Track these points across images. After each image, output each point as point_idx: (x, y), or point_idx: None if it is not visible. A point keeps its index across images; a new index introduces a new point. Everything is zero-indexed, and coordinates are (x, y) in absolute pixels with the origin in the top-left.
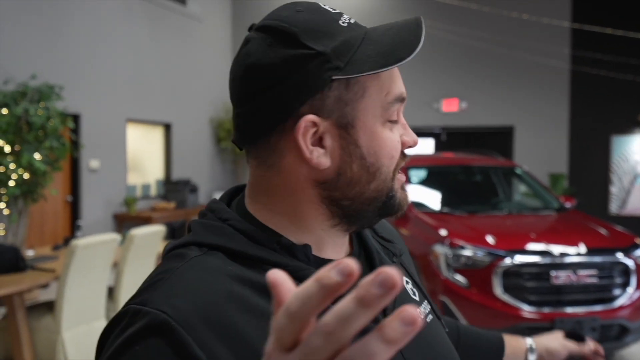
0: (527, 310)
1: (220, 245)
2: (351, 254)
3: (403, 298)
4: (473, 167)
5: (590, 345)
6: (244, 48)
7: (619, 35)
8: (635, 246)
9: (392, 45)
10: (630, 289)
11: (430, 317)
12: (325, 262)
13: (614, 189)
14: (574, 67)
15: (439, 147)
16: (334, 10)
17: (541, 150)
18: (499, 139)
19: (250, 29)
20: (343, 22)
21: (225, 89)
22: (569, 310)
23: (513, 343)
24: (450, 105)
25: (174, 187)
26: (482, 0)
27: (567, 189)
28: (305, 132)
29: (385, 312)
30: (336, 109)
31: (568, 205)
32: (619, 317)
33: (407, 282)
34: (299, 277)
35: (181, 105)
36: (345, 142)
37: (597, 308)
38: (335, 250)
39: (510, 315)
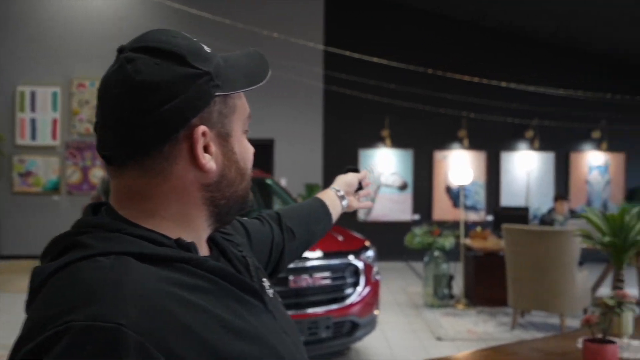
0: None
1: (129, 251)
2: (211, 250)
3: (260, 275)
4: None
5: (364, 171)
6: (127, 66)
7: (365, 60)
8: (365, 248)
9: (252, 69)
10: (360, 288)
11: (271, 290)
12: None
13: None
14: (327, 86)
15: None
16: (194, 38)
17: (299, 162)
18: (261, 152)
19: (120, 50)
20: (207, 49)
21: None
22: (309, 311)
23: (326, 197)
24: None
25: None
26: (238, 18)
27: None
28: (199, 140)
29: (250, 278)
30: (218, 121)
31: None
32: (350, 314)
33: (258, 267)
34: (205, 268)
35: None
36: (226, 150)
37: (332, 307)
38: (204, 248)
39: None
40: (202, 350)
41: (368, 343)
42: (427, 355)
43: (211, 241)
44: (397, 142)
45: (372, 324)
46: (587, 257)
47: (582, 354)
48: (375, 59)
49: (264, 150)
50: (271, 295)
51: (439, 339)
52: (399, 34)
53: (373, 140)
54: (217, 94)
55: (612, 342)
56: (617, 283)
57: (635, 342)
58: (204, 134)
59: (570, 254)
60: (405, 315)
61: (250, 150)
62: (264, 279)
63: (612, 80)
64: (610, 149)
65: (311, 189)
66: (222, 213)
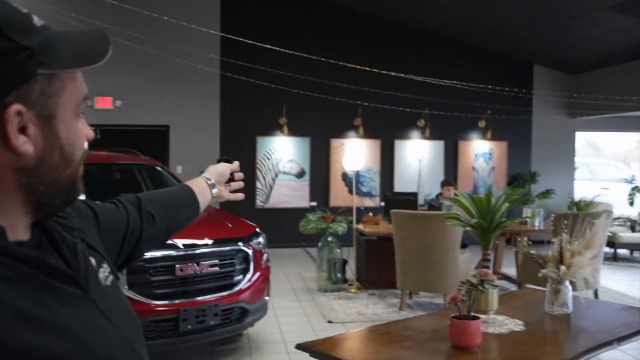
0: (154, 304)
1: None
2: (32, 235)
3: (88, 263)
4: (114, 165)
5: (236, 162)
6: None
7: (263, 47)
8: (255, 235)
9: (87, 48)
10: (249, 274)
11: (110, 278)
12: (15, 244)
13: (259, 185)
14: (224, 73)
15: (94, 144)
16: (24, 10)
17: (195, 150)
18: (155, 138)
19: None
20: (37, 22)
21: None
22: (198, 299)
23: (195, 184)
24: (104, 103)
25: None
26: (135, 2)
27: None
28: (12, 120)
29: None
30: (40, 101)
31: None
32: (240, 300)
33: (98, 254)
34: (6, 254)
35: None
36: (47, 132)
37: (221, 294)
38: (20, 233)
39: (138, 311)
40: None
41: (260, 328)
42: (318, 337)
43: (38, 225)
44: (295, 130)
45: (262, 310)
46: (472, 239)
47: (449, 330)
48: (271, 47)
49: (158, 137)
50: (105, 283)
51: (329, 321)
52: (296, 23)
53: (271, 128)
54: (40, 71)
55: (476, 318)
56: (484, 262)
57: (499, 317)
58: (19, 113)
59: (453, 237)
60: (299, 300)
61: (81, 135)
62: (104, 266)
63: (497, 74)
64: (494, 137)
65: None
66: (43, 202)
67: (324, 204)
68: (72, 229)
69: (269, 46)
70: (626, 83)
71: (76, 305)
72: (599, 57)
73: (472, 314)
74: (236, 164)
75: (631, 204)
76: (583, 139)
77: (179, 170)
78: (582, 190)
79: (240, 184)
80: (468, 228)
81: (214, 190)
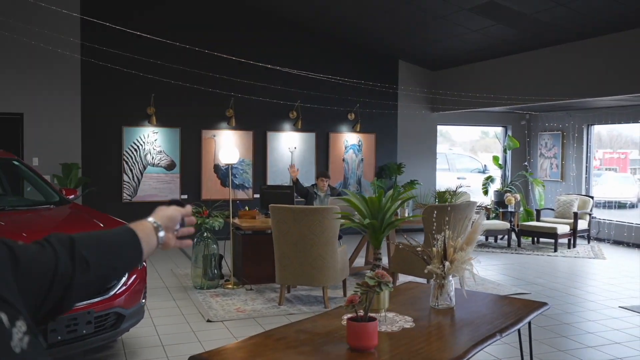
0: None
1: None
2: None
3: None
4: None
5: (189, 207)
6: None
7: (129, 33)
8: None
9: None
10: (124, 278)
11: (26, 339)
12: None
13: (126, 177)
14: (85, 59)
15: None
16: None
17: (53, 140)
18: (6, 127)
19: None
20: None
21: None
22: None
23: (140, 228)
24: None
25: None
26: None
27: (80, 178)
28: None
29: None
30: None
31: (71, 197)
32: (115, 305)
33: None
34: None
35: None
36: None
37: (94, 300)
38: None
39: None
40: None
41: (135, 333)
42: (197, 339)
43: None
44: (164, 121)
45: (139, 313)
46: (345, 230)
47: (346, 332)
48: (135, 32)
49: (10, 126)
50: (19, 349)
51: (209, 320)
52: (166, 9)
53: (138, 118)
54: None
55: (373, 319)
56: (376, 262)
57: (390, 315)
58: None
59: (331, 231)
60: (174, 299)
61: None
62: (18, 323)
63: (366, 68)
64: (363, 130)
65: (69, 169)
66: None
67: (195, 197)
68: None
69: (132, 31)
70: (480, 80)
71: None
72: (458, 55)
73: (369, 315)
74: (188, 208)
75: (485, 192)
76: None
77: (35, 162)
78: (442, 180)
79: (190, 230)
80: (360, 227)
81: (160, 235)
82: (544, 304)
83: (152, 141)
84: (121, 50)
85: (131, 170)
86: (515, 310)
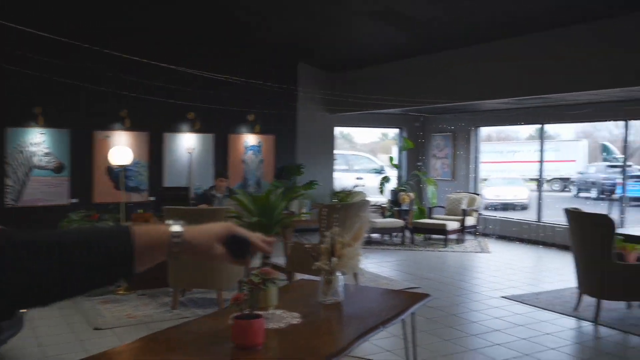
0: None
1: None
2: None
3: None
4: None
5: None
6: None
7: (13, 27)
8: None
9: None
10: None
11: None
12: None
13: (10, 181)
14: None
15: None
16: None
17: None
18: None
19: None
20: None
21: None
22: None
23: (147, 225)
24: None
25: None
26: None
27: None
28: None
29: None
30: None
31: None
32: None
33: None
34: None
35: None
36: None
37: None
38: None
39: None
40: None
41: (14, 345)
42: (83, 348)
43: None
44: (52, 121)
45: (17, 325)
46: None
47: (232, 330)
48: (18, 26)
49: None
50: None
51: (96, 328)
52: (57, 4)
53: (23, 119)
54: None
55: (259, 316)
56: (265, 260)
57: (278, 312)
58: None
59: None
60: (59, 308)
61: None
62: None
63: (265, 69)
64: (263, 131)
65: None
66: None
67: (86, 201)
68: None
69: (14, 25)
70: (377, 83)
71: None
72: (356, 58)
73: (255, 312)
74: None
75: (381, 192)
76: (337, 132)
77: None
78: (341, 180)
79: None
80: (248, 225)
81: (175, 241)
82: (427, 295)
83: (38, 142)
84: (2, 45)
85: (15, 173)
86: (400, 302)
